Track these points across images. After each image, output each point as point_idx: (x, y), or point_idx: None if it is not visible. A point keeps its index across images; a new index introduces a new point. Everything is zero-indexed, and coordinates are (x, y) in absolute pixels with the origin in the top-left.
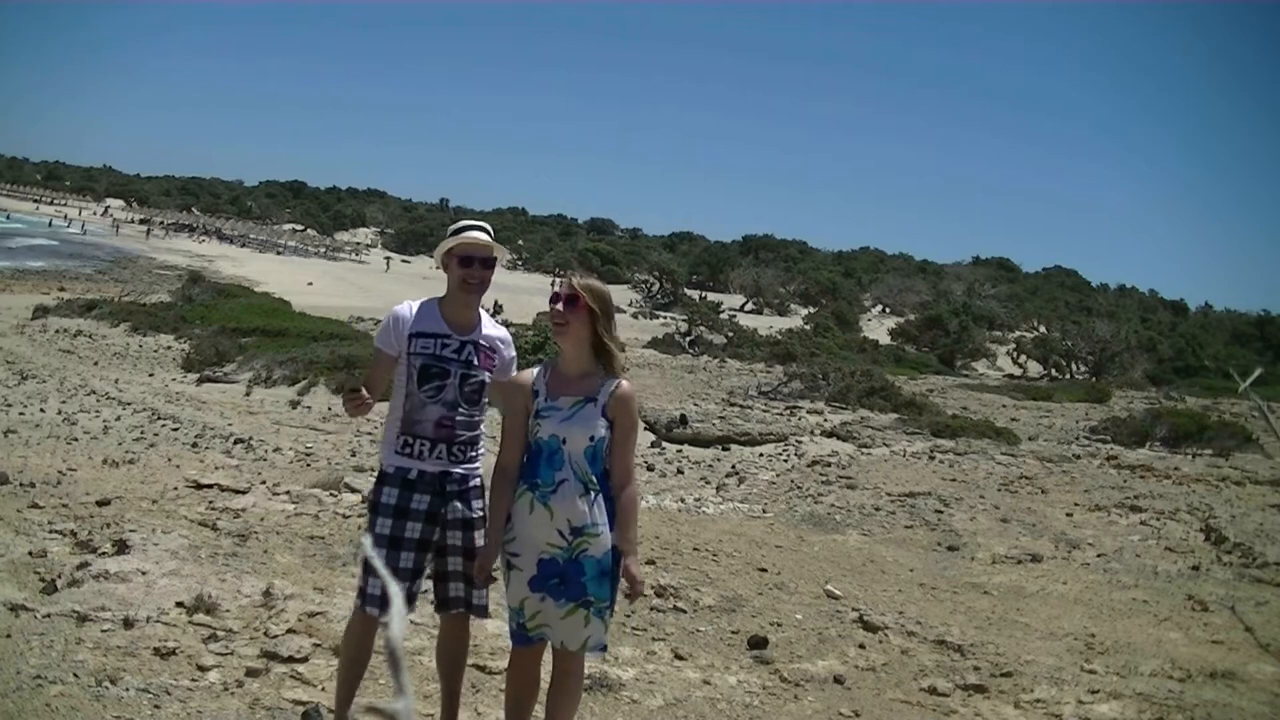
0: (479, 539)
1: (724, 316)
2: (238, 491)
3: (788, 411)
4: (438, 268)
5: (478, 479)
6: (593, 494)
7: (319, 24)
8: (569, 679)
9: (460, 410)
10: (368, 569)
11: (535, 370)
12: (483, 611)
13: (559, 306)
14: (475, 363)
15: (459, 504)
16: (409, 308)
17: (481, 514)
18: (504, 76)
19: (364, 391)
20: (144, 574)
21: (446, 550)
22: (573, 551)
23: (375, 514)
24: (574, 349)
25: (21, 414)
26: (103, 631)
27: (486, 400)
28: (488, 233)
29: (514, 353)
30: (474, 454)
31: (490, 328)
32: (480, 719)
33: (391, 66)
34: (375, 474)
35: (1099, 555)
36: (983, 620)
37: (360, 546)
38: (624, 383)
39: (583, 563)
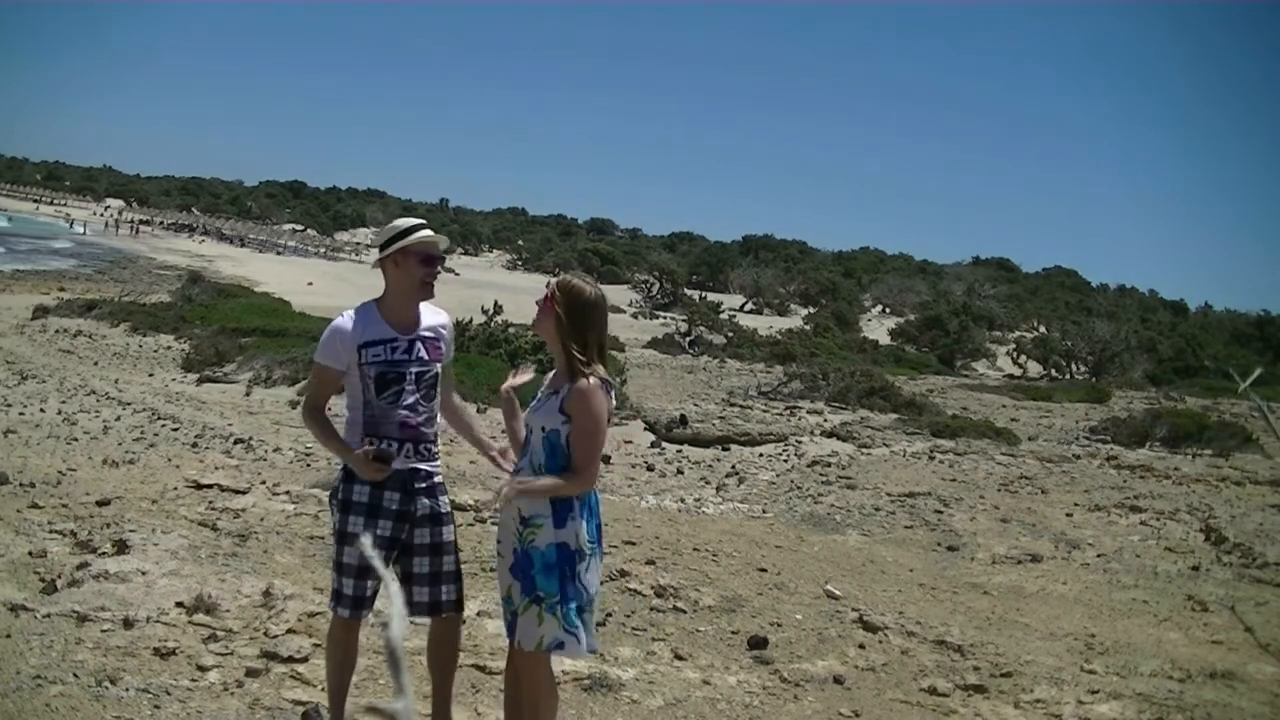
0: (447, 534)
1: (724, 316)
2: (238, 491)
3: (788, 411)
4: (375, 267)
5: (440, 475)
6: None
7: (319, 24)
8: (528, 692)
9: (420, 407)
10: (342, 570)
11: None
12: (454, 605)
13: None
14: (426, 358)
15: (427, 500)
16: (349, 318)
17: (448, 509)
18: (504, 76)
19: (385, 457)
20: (144, 574)
21: (413, 550)
22: (523, 542)
23: (346, 512)
24: (549, 344)
25: (21, 414)
26: (103, 631)
27: (439, 390)
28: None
29: (453, 333)
30: (436, 449)
31: (430, 317)
32: (480, 719)
33: (392, 67)
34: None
35: (1099, 555)
36: (983, 620)
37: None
38: (583, 380)
39: (530, 554)
